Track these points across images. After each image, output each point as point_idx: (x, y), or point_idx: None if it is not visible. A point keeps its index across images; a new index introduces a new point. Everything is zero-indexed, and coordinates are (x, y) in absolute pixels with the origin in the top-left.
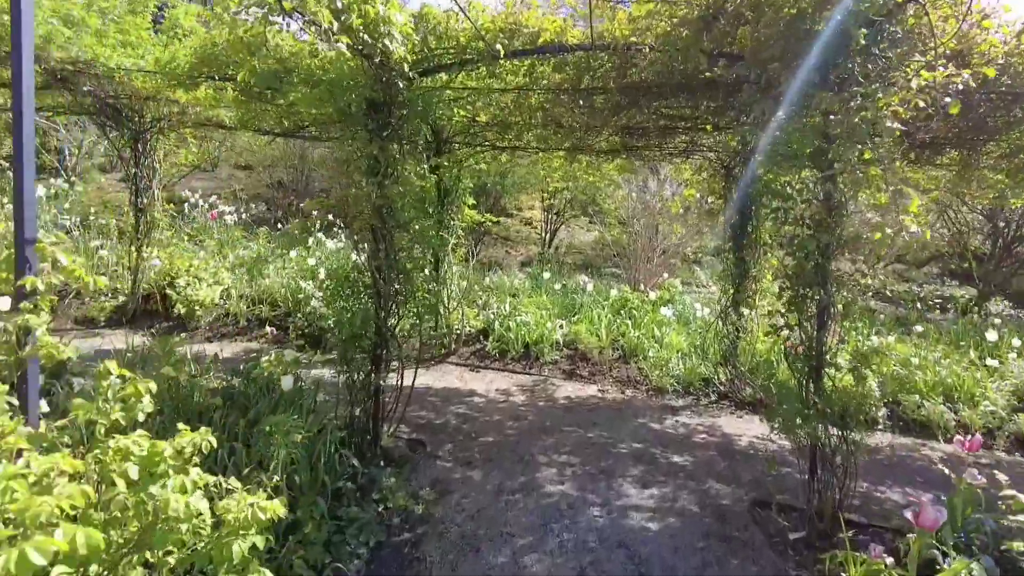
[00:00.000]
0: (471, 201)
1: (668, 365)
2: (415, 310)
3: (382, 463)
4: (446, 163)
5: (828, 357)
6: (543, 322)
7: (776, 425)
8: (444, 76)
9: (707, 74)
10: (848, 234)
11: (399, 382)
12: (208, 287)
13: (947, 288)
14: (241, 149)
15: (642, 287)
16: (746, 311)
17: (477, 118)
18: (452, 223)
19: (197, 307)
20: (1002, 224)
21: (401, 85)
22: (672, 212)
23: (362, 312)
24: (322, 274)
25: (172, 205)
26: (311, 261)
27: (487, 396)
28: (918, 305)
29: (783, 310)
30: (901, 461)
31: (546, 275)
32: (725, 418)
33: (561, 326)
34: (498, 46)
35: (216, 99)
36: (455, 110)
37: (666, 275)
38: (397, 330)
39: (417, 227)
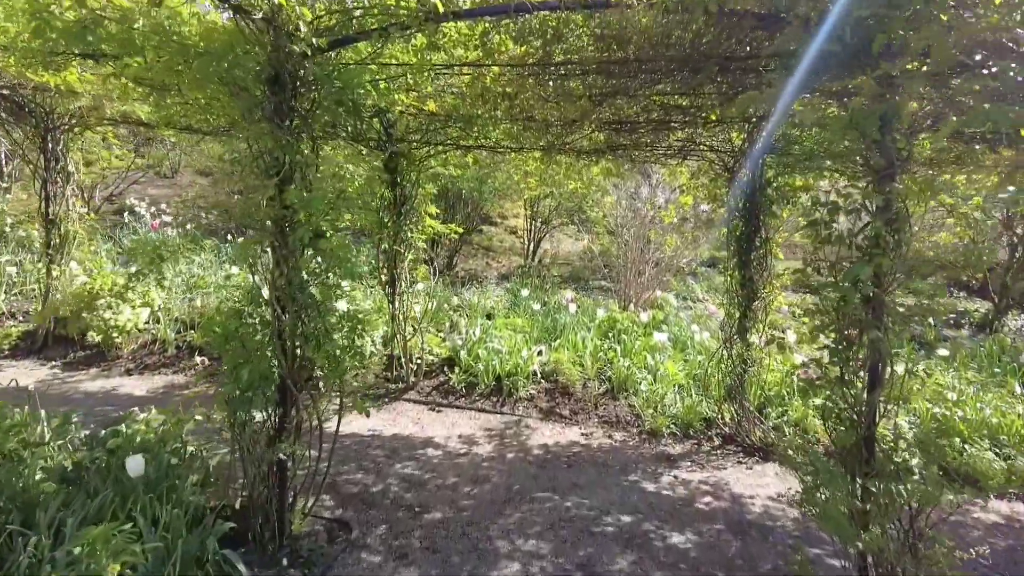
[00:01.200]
0: (433, 209)
1: (663, 402)
2: (331, 352)
3: (286, 561)
4: (401, 165)
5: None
6: (518, 349)
7: (813, 512)
8: (366, 46)
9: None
10: (913, 254)
11: (319, 441)
12: (133, 309)
13: (958, 301)
14: (200, 153)
15: (633, 305)
16: (755, 338)
17: (426, 107)
18: (409, 235)
19: (116, 333)
20: (1021, 231)
21: (304, 54)
22: (665, 222)
23: (258, 359)
24: (266, 293)
25: (115, 215)
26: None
27: (445, 447)
28: (930, 321)
29: (819, 357)
30: (954, 528)
31: (524, 292)
32: (732, 470)
33: (540, 352)
34: (435, 1)
35: (126, 89)
36: (395, 95)
37: (659, 292)
38: (309, 378)
39: (329, 246)
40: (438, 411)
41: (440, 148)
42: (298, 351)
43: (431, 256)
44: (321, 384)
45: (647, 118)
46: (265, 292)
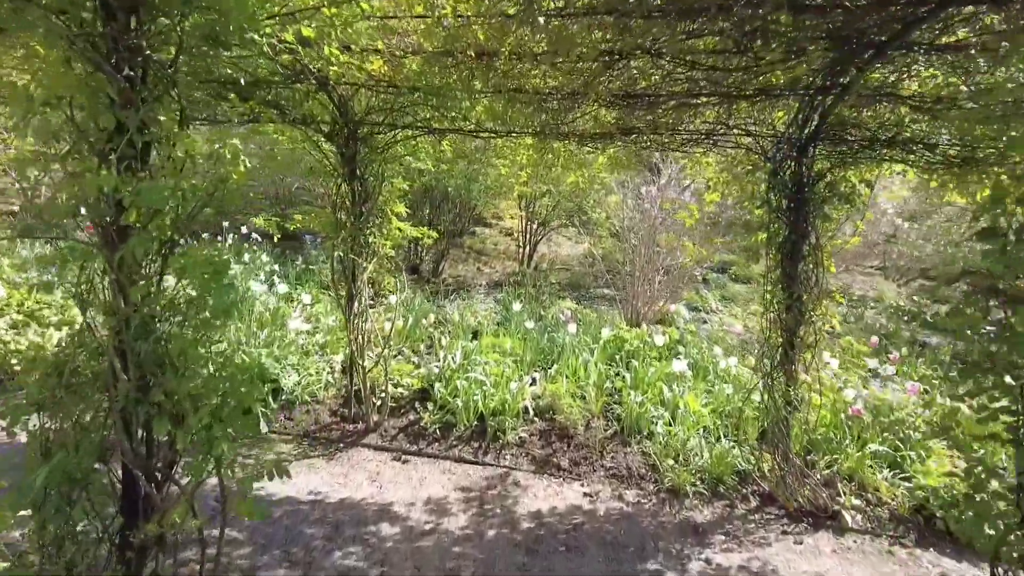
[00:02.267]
0: (401, 209)
1: (686, 448)
2: (197, 429)
3: None
4: (361, 153)
5: None
6: (507, 379)
7: None
8: None
9: None
10: None
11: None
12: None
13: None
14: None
15: (643, 322)
16: (804, 373)
17: (367, 65)
18: (371, 240)
19: None
20: None
21: None
22: (687, 224)
23: (89, 429)
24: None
25: None
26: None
27: (406, 519)
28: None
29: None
30: None
31: (516, 306)
32: (778, 546)
33: (534, 382)
34: None
35: None
36: (327, 48)
37: (672, 306)
38: (171, 464)
39: (183, 263)
40: (404, 462)
41: (408, 132)
42: (140, 412)
43: (414, 263)
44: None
45: (669, 91)
46: (103, 333)
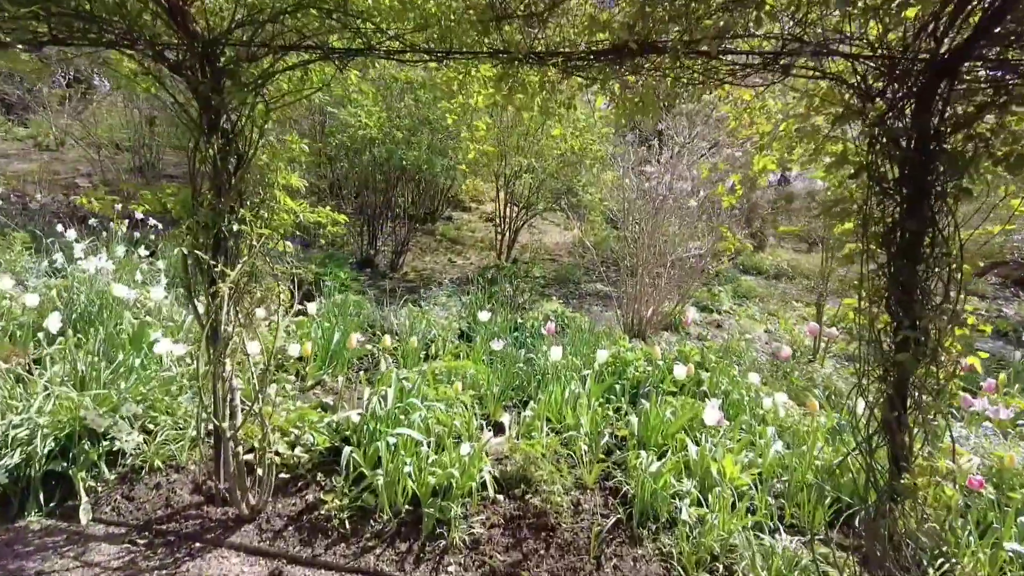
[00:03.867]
0: (296, 181)
1: (727, 548)
2: None
3: None
4: (227, 93)
5: None
6: (461, 431)
7: None
8: None
9: None
10: None
11: None
12: None
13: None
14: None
15: (648, 333)
16: (939, 418)
17: None
18: (239, 228)
19: None
20: None
21: None
22: (725, 205)
23: None
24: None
25: None
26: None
27: None
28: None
29: None
30: None
31: (483, 315)
32: None
33: (498, 430)
34: None
35: None
36: None
37: (692, 313)
38: None
39: None
40: None
41: (295, 58)
42: None
43: (367, 254)
44: None
45: None
46: None
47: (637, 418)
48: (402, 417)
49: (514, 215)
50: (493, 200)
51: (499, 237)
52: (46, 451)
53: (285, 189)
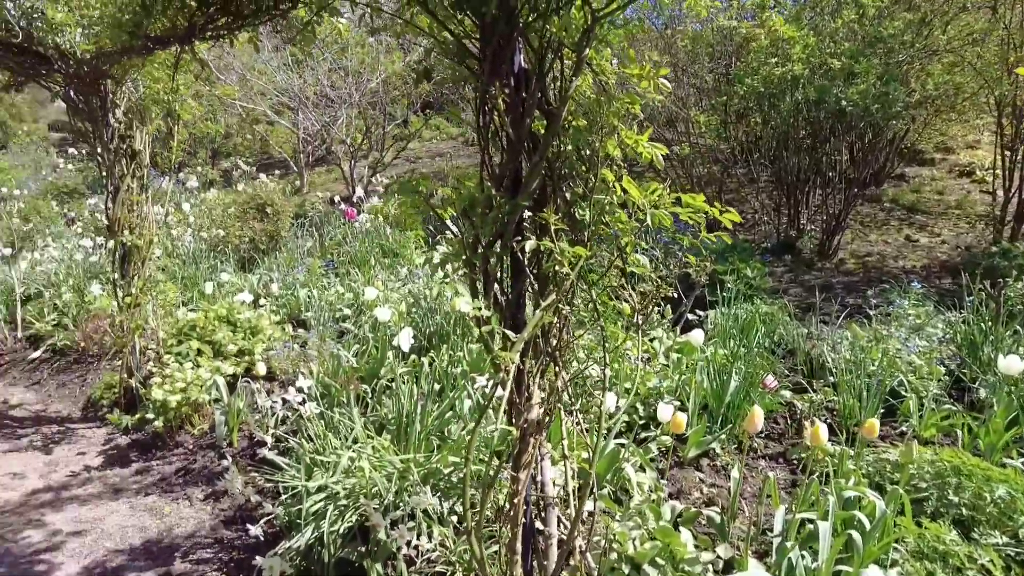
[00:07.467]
0: (646, 150)
1: None
2: None
3: None
4: None
5: None
6: None
7: None
8: None
9: None
10: None
11: None
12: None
13: None
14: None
15: None
16: None
17: None
18: (539, 243)
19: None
20: None
21: None
22: None
23: None
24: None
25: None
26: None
27: None
28: None
29: None
30: None
31: (1007, 361)
32: None
33: None
34: None
35: None
36: None
37: None
38: None
39: None
40: None
41: None
42: None
43: (787, 234)
44: None
45: None
46: None
47: None
48: None
49: (1022, 159)
50: (971, 146)
51: (997, 201)
52: (342, 530)
53: (625, 166)
